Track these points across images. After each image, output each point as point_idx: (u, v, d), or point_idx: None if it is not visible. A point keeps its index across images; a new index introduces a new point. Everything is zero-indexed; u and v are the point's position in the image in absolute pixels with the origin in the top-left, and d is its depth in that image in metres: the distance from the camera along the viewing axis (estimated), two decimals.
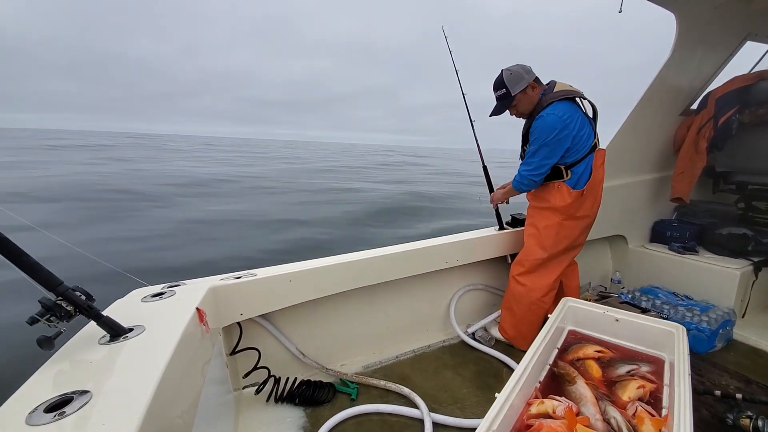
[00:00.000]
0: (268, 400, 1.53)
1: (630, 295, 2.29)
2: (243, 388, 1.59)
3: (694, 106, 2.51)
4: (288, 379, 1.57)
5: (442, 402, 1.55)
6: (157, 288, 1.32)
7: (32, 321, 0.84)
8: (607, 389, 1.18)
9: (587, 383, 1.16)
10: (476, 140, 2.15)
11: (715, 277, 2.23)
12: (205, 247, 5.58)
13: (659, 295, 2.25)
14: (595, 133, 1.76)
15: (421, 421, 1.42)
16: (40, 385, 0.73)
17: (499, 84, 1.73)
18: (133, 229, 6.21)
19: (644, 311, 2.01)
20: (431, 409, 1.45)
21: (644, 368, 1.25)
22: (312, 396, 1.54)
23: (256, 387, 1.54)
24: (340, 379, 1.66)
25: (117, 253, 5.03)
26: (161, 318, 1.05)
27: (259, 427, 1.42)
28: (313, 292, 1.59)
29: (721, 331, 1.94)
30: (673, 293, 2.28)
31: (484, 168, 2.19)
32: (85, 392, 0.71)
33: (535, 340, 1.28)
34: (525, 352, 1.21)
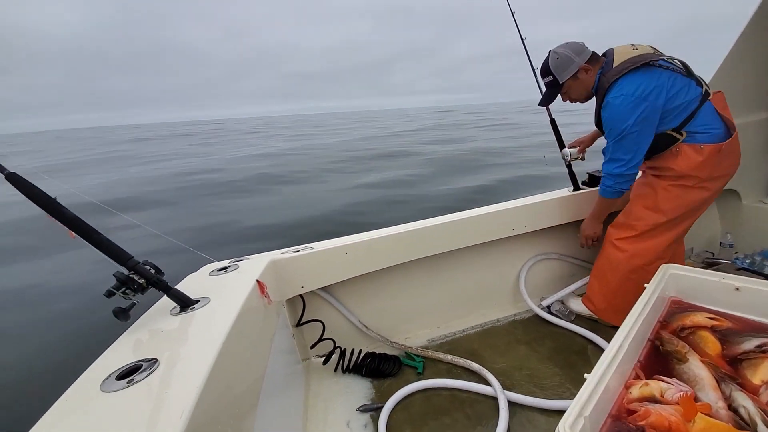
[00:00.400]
0: (335, 370, 1.54)
1: (748, 261, 1.90)
2: (314, 358, 1.62)
3: None
4: (353, 350, 1.57)
5: (517, 380, 1.43)
6: (225, 262, 1.36)
7: (109, 294, 0.89)
8: (731, 369, 0.95)
9: (703, 361, 0.95)
10: (540, 89, 1.89)
11: None
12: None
13: None
14: (697, 80, 1.41)
15: (493, 399, 1.31)
16: (116, 354, 0.77)
17: (545, 70, 1.51)
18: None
19: None
20: (505, 387, 1.34)
21: None
22: (378, 368, 1.51)
23: (323, 357, 1.56)
24: (405, 353, 1.62)
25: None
26: (225, 290, 1.07)
27: (328, 396, 1.43)
28: (370, 264, 1.55)
29: None
30: None
31: (552, 121, 1.92)
32: (153, 360, 0.72)
33: (632, 310, 1.08)
34: (614, 327, 1.02)
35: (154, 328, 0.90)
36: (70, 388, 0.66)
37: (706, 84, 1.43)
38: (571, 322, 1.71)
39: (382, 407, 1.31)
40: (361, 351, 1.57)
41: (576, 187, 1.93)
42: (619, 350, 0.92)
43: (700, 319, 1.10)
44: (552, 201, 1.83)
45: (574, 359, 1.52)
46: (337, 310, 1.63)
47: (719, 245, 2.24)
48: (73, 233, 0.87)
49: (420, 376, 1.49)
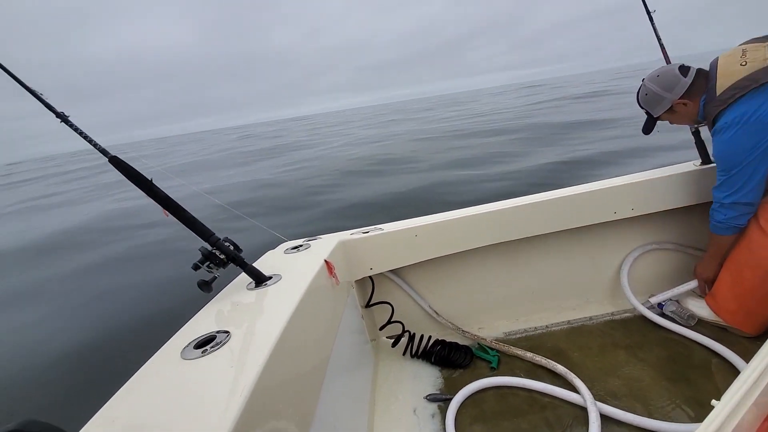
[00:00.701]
0: (404, 354, 1.52)
1: None
2: (384, 338, 1.63)
3: None
4: (422, 336, 1.52)
5: (611, 391, 1.22)
6: (299, 241, 1.42)
7: (195, 267, 0.97)
8: None
9: None
10: (658, 37, 1.54)
11: None
12: None
13: None
14: None
15: (580, 409, 1.15)
16: (197, 324, 0.84)
17: (639, 101, 1.41)
18: None
19: None
20: (598, 398, 1.16)
21: None
22: (448, 357, 1.45)
23: (392, 340, 1.54)
24: (478, 344, 1.51)
25: None
26: (296, 269, 1.10)
27: (396, 379, 1.42)
28: (442, 248, 1.46)
29: None
30: None
31: None
32: (226, 332, 0.76)
33: None
34: (750, 338, 0.78)
35: (231, 301, 0.96)
36: (157, 352, 0.74)
37: None
38: (690, 327, 1.40)
39: (450, 399, 1.25)
40: (430, 337, 1.52)
41: (705, 161, 1.55)
42: (764, 373, 0.70)
43: None
44: (670, 178, 1.49)
45: (692, 374, 1.24)
46: (406, 293, 1.60)
47: None
48: (167, 212, 0.97)
49: (494, 371, 1.38)
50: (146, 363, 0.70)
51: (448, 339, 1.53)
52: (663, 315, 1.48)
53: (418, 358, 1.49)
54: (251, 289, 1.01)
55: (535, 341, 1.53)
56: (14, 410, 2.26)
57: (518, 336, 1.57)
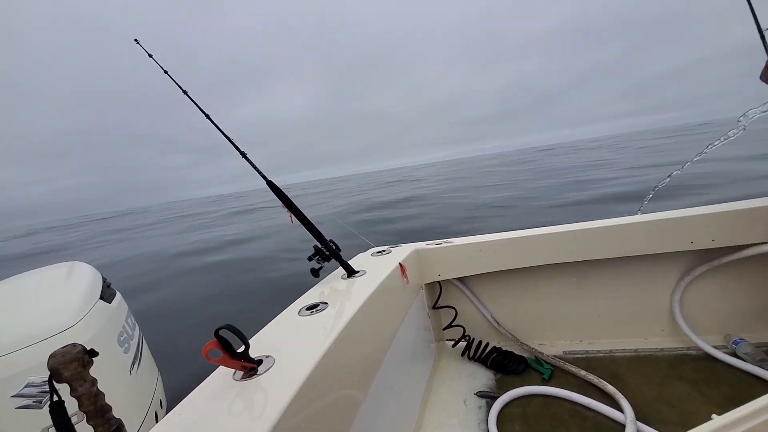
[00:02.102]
0: (462, 355, 1.73)
1: None
2: (446, 340, 1.86)
3: None
4: (481, 342, 1.71)
5: (662, 417, 1.25)
6: (385, 247, 1.76)
7: (309, 258, 1.38)
8: None
9: None
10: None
11: None
12: None
13: None
14: None
15: (622, 426, 1.22)
16: (308, 297, 1.22)
17: None
18: None
19: None
20: (641, 419, 1.22)
21: None
22: (503, 362, 1.61)
23: (453, 342, 1.77)
24: (535, 357, 1.65)
25: None
26: (377, 267, 1.44)
27: (453, 375, 1.64)
28: (504, 262, 1.64)
29: None
30: None
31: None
32: (325, 304, 1.13)
33: None
34: None
35: (329, 285, 1.34)
36: (285, 310, 1.13)
37: None
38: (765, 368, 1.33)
39: (498, 397, 1.43)
40: (488, 344, 1.70)
41: None
42: None
43: None
44: (761, 209, 1.42)
45: None
46: (470, 300, 1.81)
47: None
48: (293, 216, 1.40)
49: (545, 382, 1.51)
50: (278, 315, 1.09)
51: (506, 348, 1.70)
52: (738, 356, 1.42)
53: (476, 360, 1.69)
54: (344, 279, 1.37)
55: (594, 363, 1.58)
56: None
57: (578, 356, 1.64)
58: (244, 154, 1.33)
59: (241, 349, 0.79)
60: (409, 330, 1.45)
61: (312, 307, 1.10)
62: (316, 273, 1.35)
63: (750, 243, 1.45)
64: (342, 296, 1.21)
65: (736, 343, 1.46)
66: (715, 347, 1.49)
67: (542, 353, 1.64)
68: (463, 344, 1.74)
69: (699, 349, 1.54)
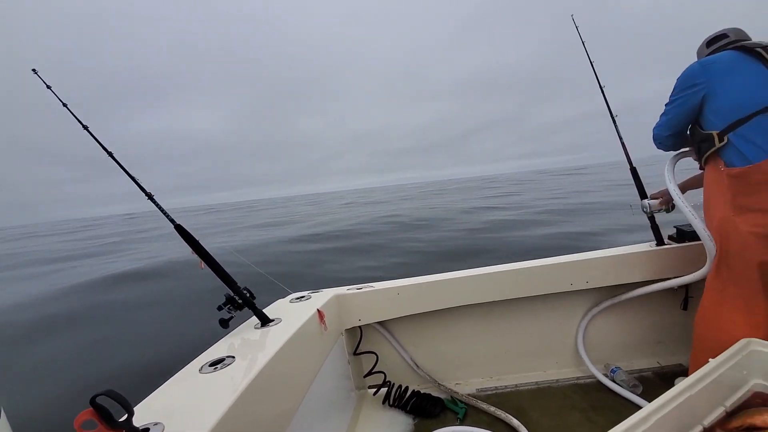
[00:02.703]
0: (384, 403, 1.71)
1: None
2: (367, 388, 1.83)
3: None
4: (401, 386, 1.72)
5: None
6: (304, 293, 1.72)
7: (219, 308, 1.29)
8: None
9: None
10: (619, 136, 1.85)
11: None
12: None
13: None
14: None
15: None
16: (215, 351, 1.13)
17: None
18: None
19: None
20: None
21: None
22: (421, 406, 1.63)
23: (375, 389, 1.75)
24: (451, 396, 1.70)
25: None
26: (294, 315, 1.40)
27: (374, 425, 1.61)
28: (420, 306, 1.71)
29: None
30: None
31: (633, 170, 1.82)
32: (232, 358, 1.05)
33: (684, 380, 0.90)
34: None
35: (241, 336, 1.26)
36: (185, 368, 1.03)
37: None
38: (639, 395, 1.55)
39: None
40: (407, 388, 1.72)
41: (659, 242, 1.77)
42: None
43: None
44: (627, 256, 1.72)
45: None
46: (391, 345, 1.83)
47: None
48: (203, 264, 1.31)
49: (459, 422, 1.56)
50: (175, 374, 0.99)
51: (424, 390, 1.73)
52: (615, 381, 1.65)
53: (395, 407, 1.68)
54: (257, 328, 1.30)
55: (503, 398, 1.70)
56: None
57: (489, 393, 1.75)
58: (150, 196, 1.24)
59: (124, 417, 0.69)
60: (327, 379, 1.41)
61: (216, 363, 1.02)
62: (225, 324, 1.26)
63: (618, 283, 1.73)
64: (253, 347, 1.14)
65: (613, 371, 1.69)
66: (605, 375, 1.70)
67: (457, 393, 1.71)
68: (384, 391, 1.73)
69: (588, 378, 1.75)
